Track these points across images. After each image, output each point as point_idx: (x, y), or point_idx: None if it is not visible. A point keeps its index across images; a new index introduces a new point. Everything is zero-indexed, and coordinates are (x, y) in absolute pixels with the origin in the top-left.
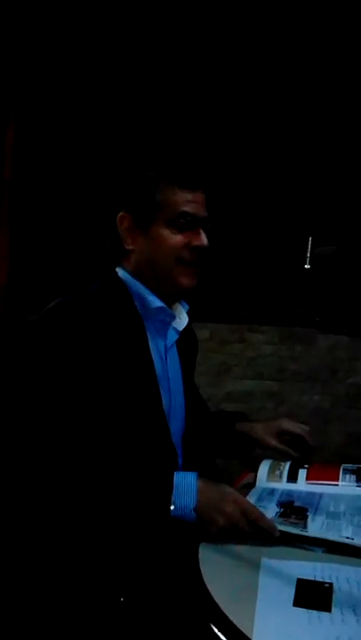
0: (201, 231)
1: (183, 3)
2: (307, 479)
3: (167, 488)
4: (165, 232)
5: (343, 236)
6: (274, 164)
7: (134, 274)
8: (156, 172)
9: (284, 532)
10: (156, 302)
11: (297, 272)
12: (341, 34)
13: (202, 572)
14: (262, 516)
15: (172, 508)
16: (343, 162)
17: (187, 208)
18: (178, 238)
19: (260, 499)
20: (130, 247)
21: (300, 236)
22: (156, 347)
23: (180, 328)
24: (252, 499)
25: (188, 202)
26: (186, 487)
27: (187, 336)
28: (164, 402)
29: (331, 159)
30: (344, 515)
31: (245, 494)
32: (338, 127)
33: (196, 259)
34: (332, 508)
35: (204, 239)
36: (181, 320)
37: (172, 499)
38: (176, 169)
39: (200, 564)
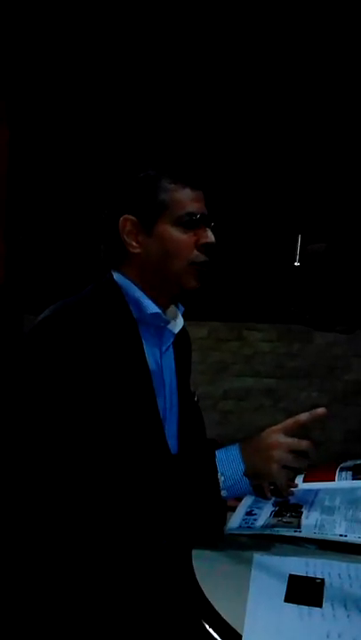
0: (207, 228)
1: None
2: (303, 481)
3: (212, 464)
4: (173, 232)
5: (333, 232)
6: (266, 163)
7: (135, 278)
8: (158, 171)
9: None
10: (152, 308)
11: (288, 269)
12: (334, 29)
13: (194, 568)
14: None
15: (221, 478)
16: (332, 160)
17: (193, 206)
18: (186, 237)
19: (256, 499)
20: (136, 250)
21: (292, 233)
22: (151, 352)
23: (176, 330)
24: (248, 500)
25: (192, 200)
26: (230, 456)
27: (181, 338)
28: (160, 406)
29: (320, 158)
30: (339, 509)
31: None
32: (327, 125)
33: (207, 258)
34: (327, 503)
35: (211, 236)
36: (177, 322)
37: (219, 471)
38: (180, 167)
39: (193, 561)
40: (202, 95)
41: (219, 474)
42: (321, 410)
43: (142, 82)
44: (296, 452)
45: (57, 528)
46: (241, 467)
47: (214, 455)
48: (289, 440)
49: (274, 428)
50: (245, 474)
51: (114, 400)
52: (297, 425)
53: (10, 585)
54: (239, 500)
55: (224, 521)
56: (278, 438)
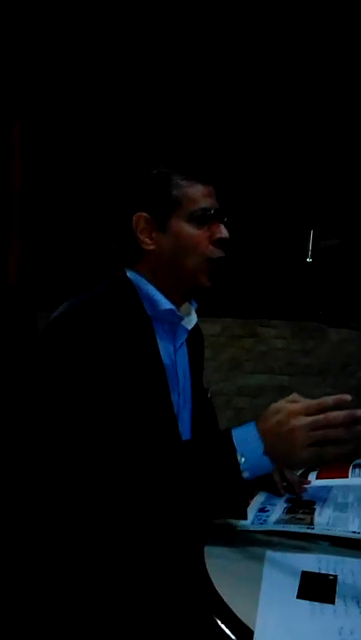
0: (220, 224)
1: None
2: (316, 478)
3: (230, 444)
4: (187, 228)
5: (346, 228)
6: (278, 158)
7: (149, 275)
8: (170, 168)
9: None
10: (165, 304)
11: (302, 266)
12: (340, 28)
13: (206, 564)
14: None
15: (242, 460)
16: (344, 156)
17: (206, 202)
18: (200, 233)
19: (269, 496)
20: (150, 247)
21: (306, 228)
22: (165, 348)
23: (190, 327)
24: (261, 497)
25: (204, 195)
26: (247, 436)
27: (194, 334)
28: (174, 403)
29: (332, 154)
30: (352, 505)
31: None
32: (338, 121)
33: (222, 253)
34: (340, 499)
35: (225, 231)
36: (190, 319)
37: (239, 451)
38: (191, 163)
39: (205, 558)
40: (212, 91)
41: (238, 455)
42: (347, 396)
43: (154, 79)
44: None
45: (69, 522)
46: (260, 445)
47: (231, 435)
48: (319, 417)
49: (290, 408)
50: (265, 453)
51: (129, 396)
52: (321, 409)
53: (16, 580)
54: (252, 496)
55: (247, 502)
56: (300, 422)
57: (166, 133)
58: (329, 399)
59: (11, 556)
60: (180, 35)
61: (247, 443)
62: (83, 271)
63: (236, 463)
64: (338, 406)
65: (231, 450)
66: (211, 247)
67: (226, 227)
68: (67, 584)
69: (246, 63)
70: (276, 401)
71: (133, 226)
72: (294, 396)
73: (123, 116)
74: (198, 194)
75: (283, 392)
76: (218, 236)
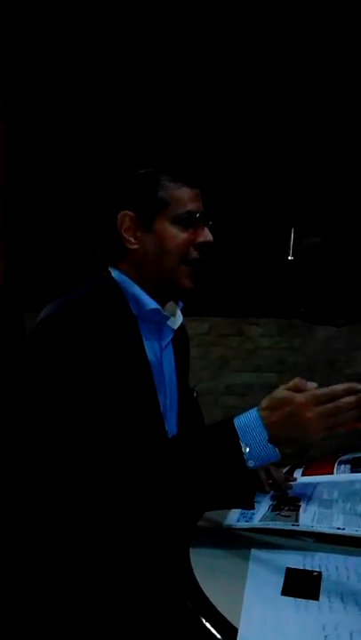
0: (205, 227)
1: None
2: (302, 475)
3: (232, 434)
4: (172, 230)
5: (327, 226)
6: (260, 158)
7: (133, 274)
8: (158, 169)
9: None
10: (151, 304)
11: (286, 264)
12: (329, 28)
13: (192, 562)
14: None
15: (246, 450)
16: (325, 155)
17: (192, 205)
18: (184, 236)
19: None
20: (134, 246)
21: (290, 227)
22: (151, 348)
23: (175, 326)
24: None
25: (192, 198)
26: (250, 425)
27: (179, 334)
28: (161, 403)
29: (313, 153)
30: (337, 502)
31: None
32: (321, 120)
33: (201, 256)
34: (325, 496)
35: (209, 235)
36: (176, 318)
37: (243, 441)
38: (181, 165)
39: (190, 555)
40: (197, 93)
41: (243, 445)
42: (357, 384)
43: (145, 79)
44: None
45: (57, 523)
46: (264, 434)
47: (234, 424)
48: (330, 406)
49: (299, 400)
50: (270, 441)
51: (117, 397)
52: (331, 398)
53: (7, 582)
54: None
55: (254, 491)
56: (312, 412)
57: (156, 133)
58: (339, 387)
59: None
60: (174, 38)
61: (251, 431)
62: (69, 271)
63: (240, 453)
64: (347, 394)
65: (235, 439)
66: (192, 250)
67: (210, 230)
68: (52, 585)
69: (235, 74)
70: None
71: (118, 224)
72: (297, 381)
73: (111, 115)
74: (185, 196)
75: (271, 390)
76: (202, 239)
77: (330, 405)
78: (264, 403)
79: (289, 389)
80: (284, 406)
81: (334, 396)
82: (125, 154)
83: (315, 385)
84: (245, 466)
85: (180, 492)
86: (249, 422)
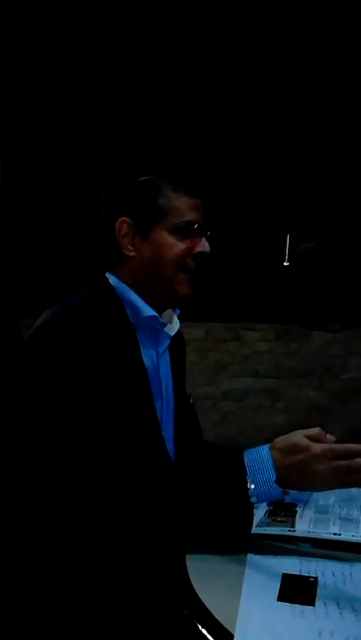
0: (203, 238)
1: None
2: None
3: (240, 468)
4: (169, 239)
5: (323, 232)
6: (257, 164)
7: (130, 281)
8: (159, 177)
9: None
10: (148, 311)
11: (282, 269)
12: (324, 30)
13: (188, 568)
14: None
15: (251, 486)
16: (319, 162)
17: (192, 215)
18: (182, 245)
19: None
20: (131, 253)
21: (286, 233)
22: (148, 355)
23: (172, 333)
24: None
25: (191, 208)
26: (260, 463)
27: (176, 340)
28: (158, 410)
29: (307, 161)
30: (333, 507)
31: None
32: (316, 127)
33: (197, 266)
34: (321, 502)
35: (207, 246)
36: (173, 325)
37: (250, 478)
38: (182, 175)
39: (186, 561)
40: (194, 100)
41: (249, 481)
42: None
43: (146, 87)
44: None
45: (55, 530)
46: (273, 474)
47: (243, 458)
48: (343, 463)
49: (314, 451)
50: (277, 482)
51: (113, 404)
52: (347, 454)
53: (7, 585)
54: None
55: (251, 524)
56: (324, 465)
57: (159, 142)
58: (357, 447)
59: None
60: (178, 47)
61: (260, 470)
62: (66, 276)
63: (246, 488)
64: None
65: (242, 474)
66: (189, 260)
67: (208, 240)
68: (50, 589)
69: (234, 86)
70: (261, 404)
71: (116, 230)
72: (318, 431)
73: (112, 121)
74: (185, 206)
75: (268, 395)
76: (199, 249)
77: (343, 463)
78: (278, 443)
79: (308, 436)
80: (298, 452)
81: (350, 453)
82: (127, 161)
83: (333, 439)
84: (248, 501)
85: (178, 510)
86: (259, 460)
